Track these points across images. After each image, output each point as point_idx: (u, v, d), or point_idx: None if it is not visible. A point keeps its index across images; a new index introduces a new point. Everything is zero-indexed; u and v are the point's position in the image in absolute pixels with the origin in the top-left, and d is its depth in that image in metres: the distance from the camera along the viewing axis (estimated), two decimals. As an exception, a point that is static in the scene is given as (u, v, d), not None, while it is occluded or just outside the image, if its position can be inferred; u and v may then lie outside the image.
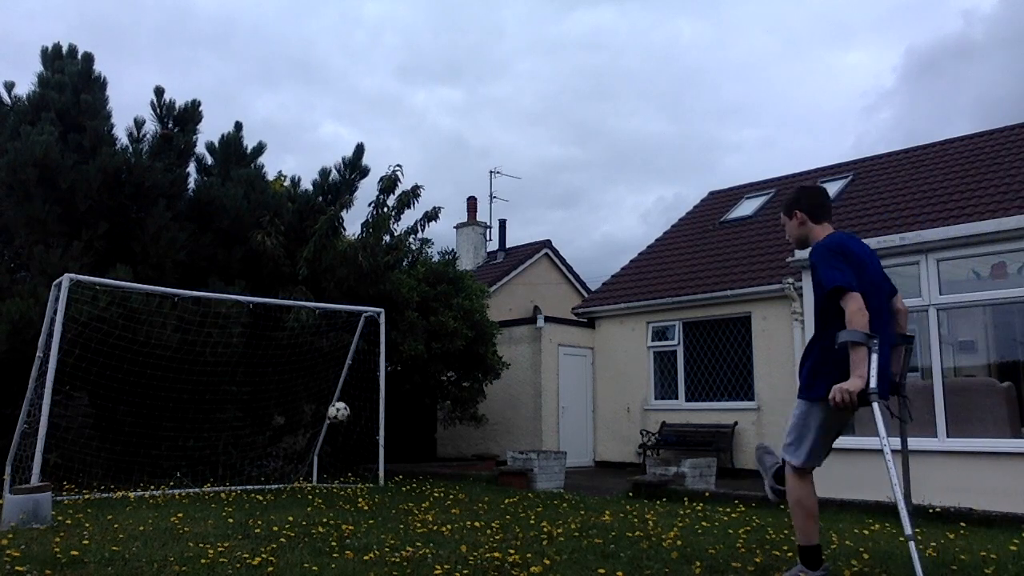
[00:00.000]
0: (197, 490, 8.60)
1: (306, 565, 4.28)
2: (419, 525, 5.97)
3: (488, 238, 22.68)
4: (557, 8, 62.06)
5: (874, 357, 3.54)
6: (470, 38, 61.53)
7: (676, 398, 14.05)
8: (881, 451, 3.70)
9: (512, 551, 4.80)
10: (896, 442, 4.05)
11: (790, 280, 12.02)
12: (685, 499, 8.27)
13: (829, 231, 3.97)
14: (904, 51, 52.68)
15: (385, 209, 11.54)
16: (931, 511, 6.99)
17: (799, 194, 4.13)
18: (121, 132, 10.31)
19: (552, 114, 58.37)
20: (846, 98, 53.38)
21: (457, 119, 59.64)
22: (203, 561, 4.32)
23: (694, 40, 55.16)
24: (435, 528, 5.84)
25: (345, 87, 60.34)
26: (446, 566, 4.31)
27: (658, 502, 8.15)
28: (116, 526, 5.63)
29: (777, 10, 56.71)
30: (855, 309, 3.55)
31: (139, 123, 10.34)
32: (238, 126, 11.22)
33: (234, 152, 11.12)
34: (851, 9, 54.26)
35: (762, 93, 57.83)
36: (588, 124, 57.09)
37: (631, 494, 8.92)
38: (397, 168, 11.51)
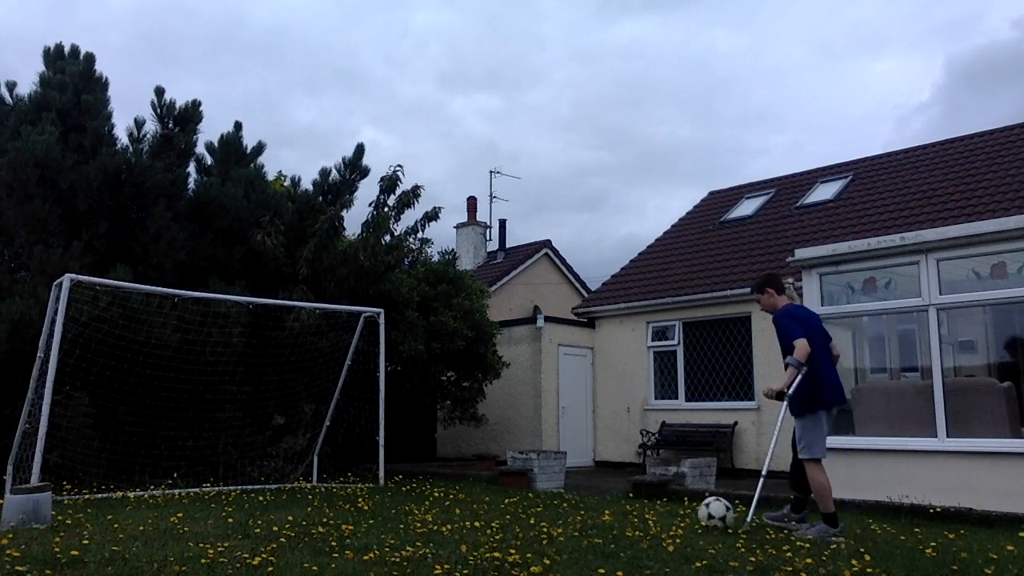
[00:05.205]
0: (197, 490, 8.59)
1: (306, 565, 4.28)
2: (419, 525, 5.97)
3: (488, 238, 22.70)
4: (599, 20, 62.65)
5: (799, 377, 5.84)
6: (511, 48, 62.12)
7: (676, 398, 14.05)
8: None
9: (512, 551, 4.80)
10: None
11: (790, 280, 11.99)
12: (685, 499, 8.26)
13: (786, 301, 6.35)
14: (942, 62, 52.64)
15: (385, 209, 11.55)
16: (931, 511, 7.00)
17: (771, 278, 6.48)
18: (122, 132, 10.33)
19: (584, 120, 58.83)
20: (877, 107, 53.53)
21: (492, 125, 60.23)
22: (203, 561, 4.32)
23: (728, 50, 55.45)
24: (435, 528, 5.84)
25: (385, 94, 61.21)
26: (446, 566, 4.31)
27: (658, 502, 8.15)
28: (116, 526, 5.63)
29: (811, 20, 56.98)
30: (803, 345, 5.85)
31: (139, 123, 10.34)
32: (238, 126, 11.22)
33: (234, 152, 11.11)
34: (887, 19, 54.32)
35: (791, 100, 58.13)
36: (618, 129, 57.48)
37: (631, 494, 8.91)
38: (398, 168, 11.53)
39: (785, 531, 6.06)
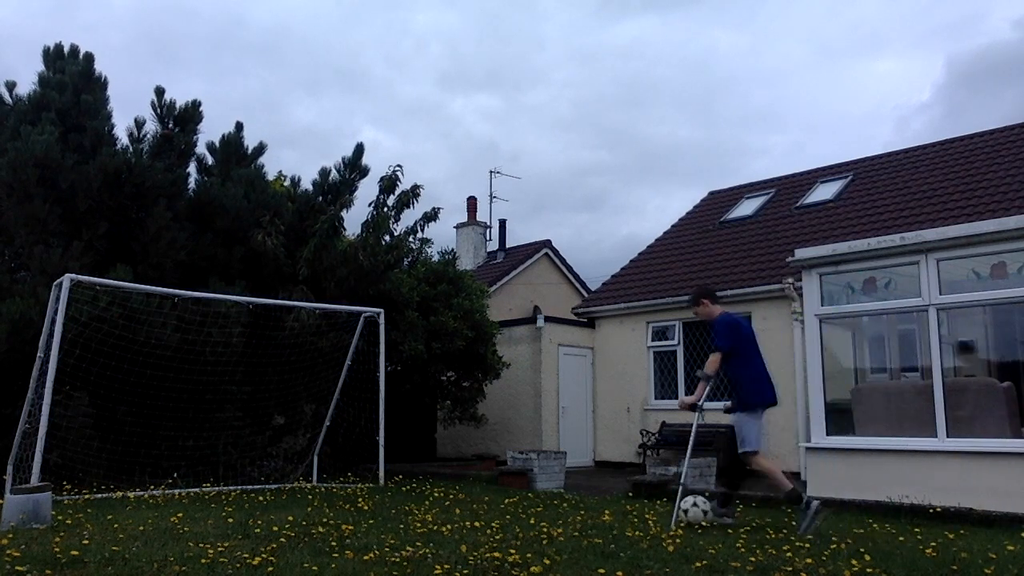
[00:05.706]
0: (197, 490, 8.60)
1: (306, 565, 4.28)
2: (419, 525, 5.98)
3: (488, 238, 22.69)
4: (599, 20, 62.75)
5: (708, 389, 6.39)
6: (511, 48, 62.22)
7: (676, 398, 14.03)
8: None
9: (512, 551, 4.80)
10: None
11: (790, 280, 12.01)
12: (685, 499, 8.26)
13: (720, 310, 6.73)
14: (942, 62, 52.61)
15: (385, 209, 11.55)
16: (931, 511, 7.00)
17: (705, 290, 6.98)
18: (122, 132, 10.33)
19: (584, 120, 58.89)
20: (877, 107, 53.53)
21: (492, 125, 60.28)
22: (203, 561, 4.33)
23: (729, 50, 55.46)
24: (435, 528, 5.84)
25: (385, 94, 61.41)
26: (446, 566, 4.31)
27: (658, 502, 8.15)
28: (116, 526, 5.63)
29: (811, 20, 57.02)
30: (715, 360, 6.30)
31: (139, 123, 10.34)
32: (239, 126, 11.23)
33: (234, 152, 11.11)
34: (887, 19, 54.30)
35: (791, 100, 58.15)
36: (618, 129, 57.52)
37: (631, 494, 8.92)
38: (397, 168, 11.53)
39: (784, 531, 6.06)
